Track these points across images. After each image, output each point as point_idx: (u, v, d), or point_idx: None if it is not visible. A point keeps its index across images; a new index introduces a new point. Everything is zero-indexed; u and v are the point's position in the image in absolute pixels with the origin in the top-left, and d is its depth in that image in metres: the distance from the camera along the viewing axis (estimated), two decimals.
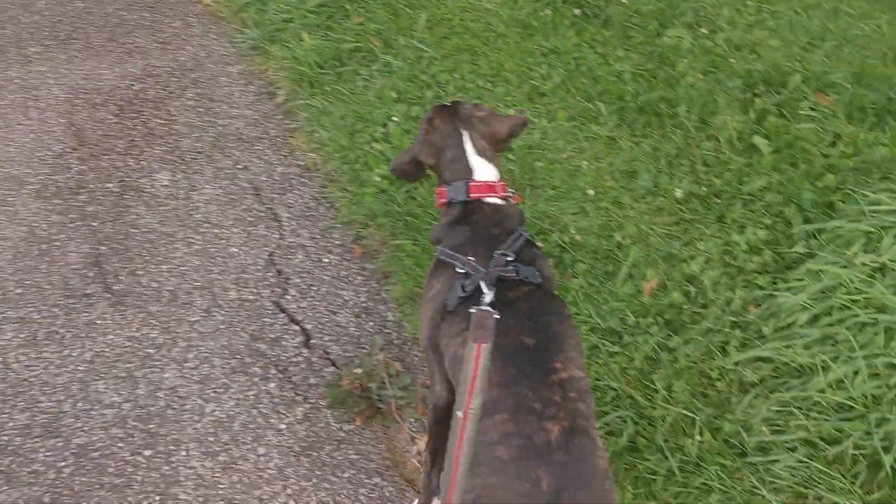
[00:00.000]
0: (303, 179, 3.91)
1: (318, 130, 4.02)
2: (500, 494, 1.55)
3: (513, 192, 2.29)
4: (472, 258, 2.03)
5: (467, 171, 2.26)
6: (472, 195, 2.20)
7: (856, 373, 2.59)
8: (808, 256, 2.99)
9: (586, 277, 3.06)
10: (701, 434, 2.55)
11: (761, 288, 2.94)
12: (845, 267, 2.84)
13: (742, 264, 3.03)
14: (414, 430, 2.85)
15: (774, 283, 2.94)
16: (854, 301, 2.75)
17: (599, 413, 2.64)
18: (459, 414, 1.67)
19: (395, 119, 3.83)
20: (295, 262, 3.48)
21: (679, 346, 2.80)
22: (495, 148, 2.37)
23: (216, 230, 3.65)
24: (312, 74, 4.28)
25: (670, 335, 2.85)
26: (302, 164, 4.00)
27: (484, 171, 2.27)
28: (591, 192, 3.37)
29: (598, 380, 2.73)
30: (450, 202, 2.24)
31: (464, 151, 2.28)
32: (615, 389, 2.69)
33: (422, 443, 2.79)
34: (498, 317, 1.83)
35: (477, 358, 1.72)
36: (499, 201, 2.23)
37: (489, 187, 2.23)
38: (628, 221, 3.26)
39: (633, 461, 2.54)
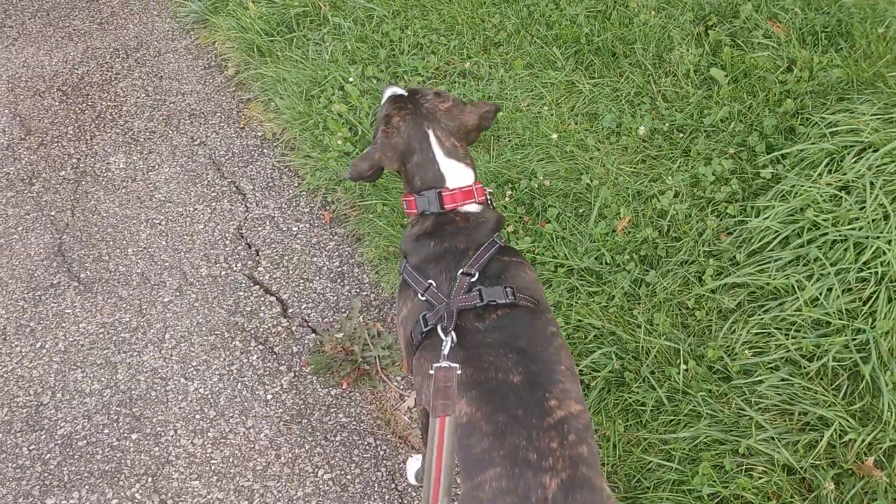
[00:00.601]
0: (263, 150, 3.84)
1: (273, 99, 3.94)
2: None
3: (490, 193, 2.06)
4: (433, 282, 1.85)
5: (439, 177, 1.97)
6: (446, 206, 1.95)
7: (829, 289, 2.64)
8: (775, 181, 3.03)
9: (559, 221, 3.06)
10: (685, 363, 2.59)
11: (732, 216, 2.97)
12: (812, 188, 2.88)
13: (711, 195, 3.05)
14: (401, 388, 2.85)
15: (744, 210, 2.98)
16: (822, 220, 2.80)
17: (584, 352, 2.67)
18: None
19: (350, 81, 3.77)
20: (264, 233, 3.43)
21: (656, 280, 2.83)
22: (466, 142, 2.07)
23: (179, 209, 3.58)
24: (262, 43, 4.18)
25: (647, 270, 2.87)
26: (260, 134, 3.92)
27: (457, 175, 1.98)
28: (554, 136, 3.36)
29: (579, 320, 2.74)
30: (421, 213, 1.99)
31: (432, 154, 1.98)
32: (597, 328, 2.71)
33: (411, 399, 2.79)
34: (460, 371, 1.65)
35: (441, 433, 1.53)
36: (474, 208, 1.97)
37: (465, 194, 1.96)
38: (595, 163, 3.26)
39: (621, 395, 2.57)
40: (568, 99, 3.59)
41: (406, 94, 2.09)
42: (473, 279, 1.82)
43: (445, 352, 1.70)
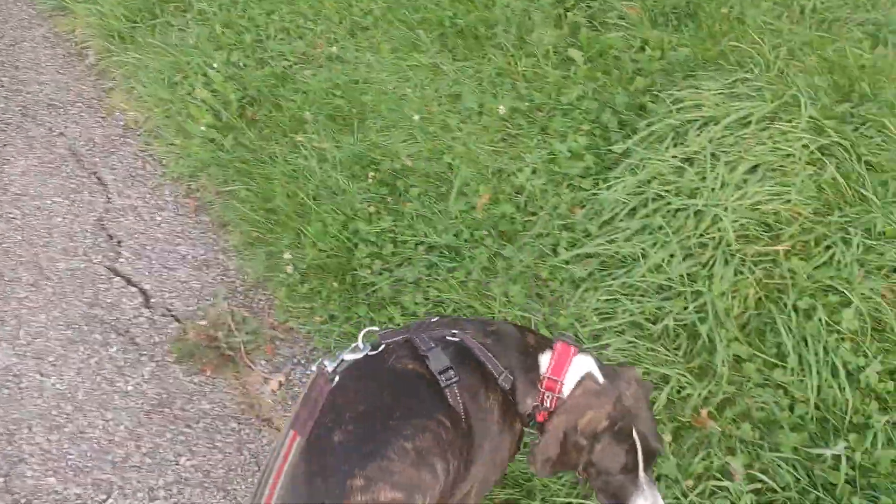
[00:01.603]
0: (126, 139, 3.75)
1: (135, 87, 3.84)
2: None
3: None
4: None
5: None
6: None
7: (672, 256, 2.78)
8: (626, 156, 3.16)
9: (420, 200, 3.11)
10: (538, 331, 2.68)
11: (585, 190, 3.08)
12: (658, 161, 3.02)
13: (566, 170, 3.16)
14: (265, 371, 2.84)
15: (597, 184, 3.09)
16: (667, 191, 2.94)
17: None
18: None
19: (215, 66, 3.71)
20: (126, 224, 3.35)
21: (513, 254, 2.91)
22: None
23: (36, 202, 3.45)
24: (123, 29, 4.07)
25: (504, 244, 2.95)
26: (123, 123, 3.82)
27: None
28: (416, 118, 3.41)
29: (438, 296, 2.80)
30: None
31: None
32: (455, 302, 2.78)
33: (274, 382, 2.79)
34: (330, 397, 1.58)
35: (289, 449, 1.46)
36: None
37: None
38: (457, 143, 3.32)
39: None
40: (432, 81, 3.64)
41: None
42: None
43: (342, 359, 1.66)
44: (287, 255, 3.03)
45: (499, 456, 1.80)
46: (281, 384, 2.79)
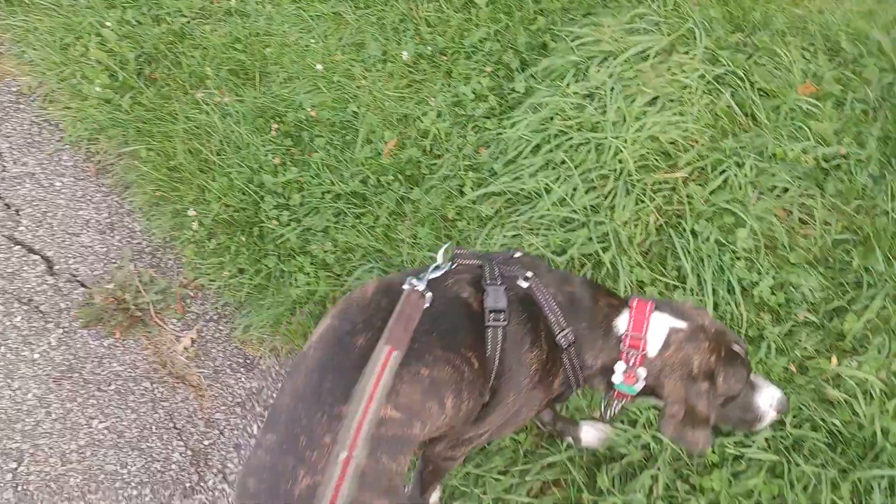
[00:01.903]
0: (19, 105, 3.60)
1: (26, 51, 3.69)
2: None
3: None
4: None
5: None
6: None
7: (575, 189, 2.83)
8: (528, 95, 3.18)
9: (326, 150, 3.08)
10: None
11: (489, 130, 3.10)
12: (560, 98, 3.06)
13: (471, 112, 3.17)
14: (177, 329, 2.81)
15: (501, 124, 3.11)
16: (569, 127, 2.98)
17: (350, 270, 2.74)
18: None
19: (108, 25, 3.58)
20: (23, 192, 3.24)
21: (420, 197, 2.92)
22: None
23: None
24: None
25: (411, 188, 2.96)
26: (15, 89, 3.67)
27: None
28: (319, 67, 3.37)
29: (347, 242, 2.80)
30: None
31: None
32: (364, 247, 2.78)
33: (186, 339, 2.76)
34: (427, 306, 1.57)
35: (385, 365, 1.44)
36: None
37: None
38: (362, 91, 3.30)
39: None
40: (335, 30, 3.59)
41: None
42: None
43: (428, 276, 1.62)
44: (192, 213, 2.98)
45: (522, 411, 1.78)
46: (193, 341, 2.77)
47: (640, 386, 1.73)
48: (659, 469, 2.23)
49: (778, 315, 2.50)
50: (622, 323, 1.75)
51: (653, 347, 1.72)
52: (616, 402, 1.80)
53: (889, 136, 2.85)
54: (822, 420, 2.28)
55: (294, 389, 1.49)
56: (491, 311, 1.65)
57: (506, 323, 1.65)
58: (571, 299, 1.76)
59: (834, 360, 2.40)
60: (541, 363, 1.72)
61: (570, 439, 2.32)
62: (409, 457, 1.54)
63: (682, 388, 1.71)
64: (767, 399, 1.80)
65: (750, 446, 2.25)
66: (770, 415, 1.81)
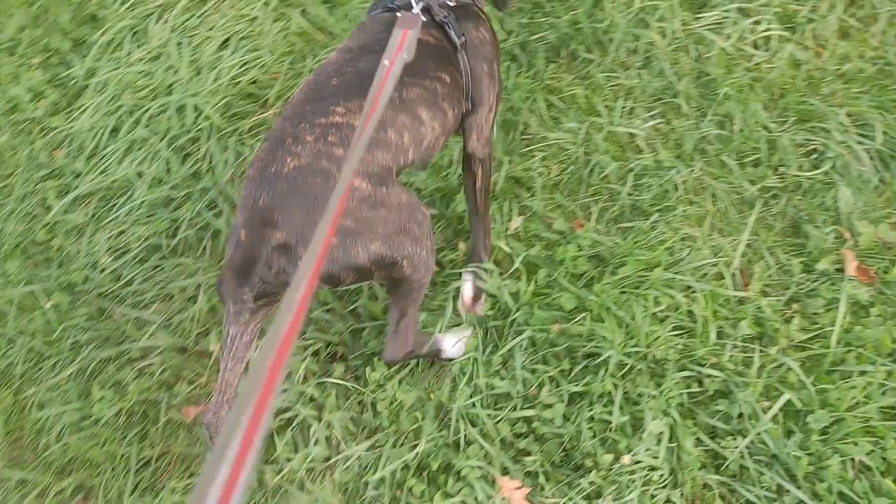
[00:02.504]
0: None
1: None
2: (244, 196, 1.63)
3: None
4: None
5: None
6: None
7: (168, 163, 2.60)
8: (91, 76, 2.85)
9: None
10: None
11: (59, 128, 2.75)
12: (126, 70, 2.77)
13: (33, 114, 2.79)
14: None
15: (70, 116, 2.77)
16: (142, 98, 2.72)
17: None
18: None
19: None
20: None
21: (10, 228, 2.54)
22: None
23: None
24: None
25: None
26: None
27: None
28: None
29: None
30: None
31: None
32: None
33: None
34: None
35: (388, 72, 1.58)
36: None
37: None
38: None
39: None
40: None
41: None
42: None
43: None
44: None
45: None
46: None
47: None
48: None
49: None
50: None
51: None
52: None
53: None
54: None
55: (280, 120, 1.69)
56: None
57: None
58: None
59: None
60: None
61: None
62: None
63: None
64: None
65: None
66: None
